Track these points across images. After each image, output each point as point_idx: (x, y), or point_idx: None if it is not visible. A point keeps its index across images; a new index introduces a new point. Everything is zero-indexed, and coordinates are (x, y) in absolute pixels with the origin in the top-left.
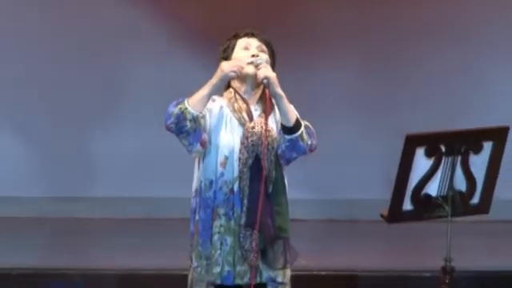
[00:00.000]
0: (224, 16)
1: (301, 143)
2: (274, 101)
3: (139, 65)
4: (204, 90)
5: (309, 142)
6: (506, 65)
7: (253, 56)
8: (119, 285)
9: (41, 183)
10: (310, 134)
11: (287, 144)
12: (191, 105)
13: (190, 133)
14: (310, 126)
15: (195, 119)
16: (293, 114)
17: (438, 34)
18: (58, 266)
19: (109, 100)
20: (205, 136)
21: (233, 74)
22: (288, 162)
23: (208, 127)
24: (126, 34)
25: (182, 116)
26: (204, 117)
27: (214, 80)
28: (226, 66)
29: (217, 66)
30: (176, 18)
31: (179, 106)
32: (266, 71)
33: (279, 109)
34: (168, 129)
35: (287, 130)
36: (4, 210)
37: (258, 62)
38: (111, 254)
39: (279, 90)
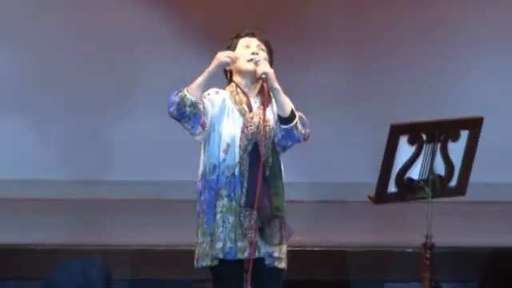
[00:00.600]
0: (227, 17)
1: (295, 132)
2: (271, 94)
3: (153, 61)
4: (201, 78)
5: (302, 131)
6: (480, 60)
7: (252, 54)
8: (133, 259)
9: (63, 168)
10: (303, 124)
11: (283, 133)
12: (190, 92)
13: (191, 117)
14: (303, 116)
15: (194, 104)
16: (288, 105)
17: (419, 35)
18: (78, 243)
19: (124, 92)
20: (204, 119)
21: (227, 59)
22: (284, 149)
23: (209, 114)
24: (142, 34)
25: (182, 103)
26: (203, 103)
27: (211, 68)
28: (221, 54)
29: None
30: (186, 19)
31: (179, 94)
32: (265, 67)
33: (276, 101)
34: (171, 115)
35: (283, 120)
36: (29, 192)
37: (257, 59)
38: (126, 231)
39: (276, 85)
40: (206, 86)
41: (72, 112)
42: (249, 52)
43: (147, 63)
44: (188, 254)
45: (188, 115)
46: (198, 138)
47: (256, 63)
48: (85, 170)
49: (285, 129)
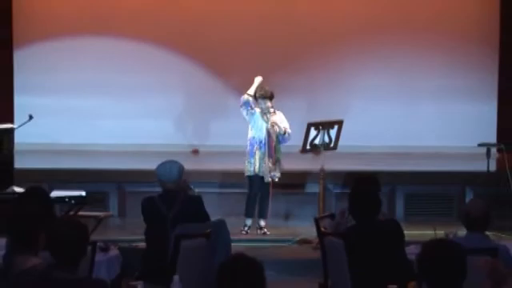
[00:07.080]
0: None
1: (286, 138)
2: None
3: (238, 88)
4: (250, 90)
5: (288, 138)
6: (358, 83)
7: (271, 108)
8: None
9: (179, 137)
10: (289, 135)
11: (281, 138)
12: (246, 95)
13: (243, 106)
14: (289, 131)
15: (246, 102)
16: (283, 130)
17: (329, 69)
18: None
19: (222, 102)
20: (249, 107)
21: (247, 99)
22: (280, 143)
23: (252, 111)
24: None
25: (242, 100)
26: (250, 101)
27: (250, 91)
28: (248, 95)
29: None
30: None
31: (242, 97)
32: (276, 127)
33: (279, 130)
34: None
35: (281, 134)
36: (161, 148)
37: (273, 121)
38: (215, 162)
39: (282, 126)
40: (251, 91)
41: (191, 113)
42: (267, 105)
43: (234, 88)
44: (241, 172)
45: (244, 104)
46: (247, 117)
47: (272, 124)
48: (193, 138)
49: (282, 137)
